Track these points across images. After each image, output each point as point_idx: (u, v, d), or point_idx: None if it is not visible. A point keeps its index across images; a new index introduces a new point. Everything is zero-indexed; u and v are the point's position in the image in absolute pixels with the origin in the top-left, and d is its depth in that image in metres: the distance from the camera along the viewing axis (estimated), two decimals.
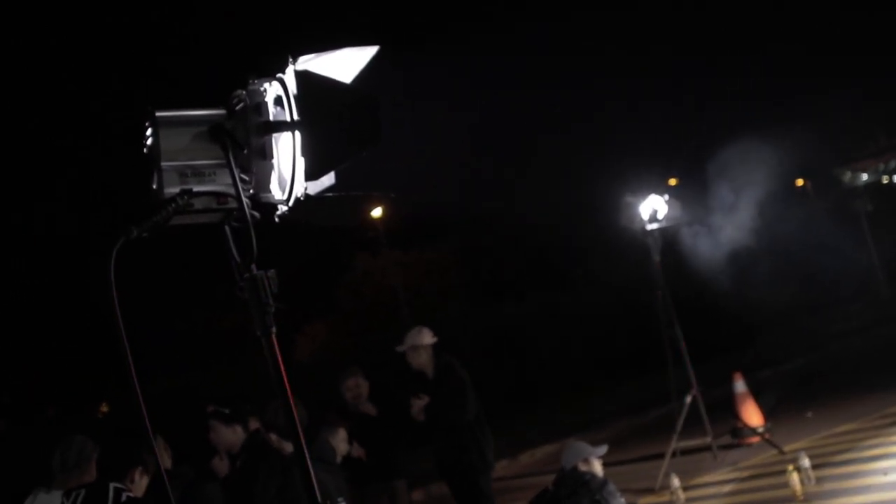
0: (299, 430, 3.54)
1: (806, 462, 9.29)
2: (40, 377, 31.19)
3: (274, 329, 3.53)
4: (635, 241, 12.08)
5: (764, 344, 20.97)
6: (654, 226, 11.69)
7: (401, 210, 40.87)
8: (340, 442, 7.75)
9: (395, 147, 3.76)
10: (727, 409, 12.44)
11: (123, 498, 4.61)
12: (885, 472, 9.05)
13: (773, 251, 21.70)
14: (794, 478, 8.95)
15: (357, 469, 8.73)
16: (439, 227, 39.99)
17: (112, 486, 4.70)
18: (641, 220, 11.68)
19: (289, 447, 6.20)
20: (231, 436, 6.66)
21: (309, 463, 3.61)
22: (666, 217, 11.77)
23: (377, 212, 43.40)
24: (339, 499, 3.81)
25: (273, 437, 6.22)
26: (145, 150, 3.47)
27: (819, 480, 9.23)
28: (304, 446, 3.59)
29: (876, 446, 10.24)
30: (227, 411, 7.04)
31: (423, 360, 9.04)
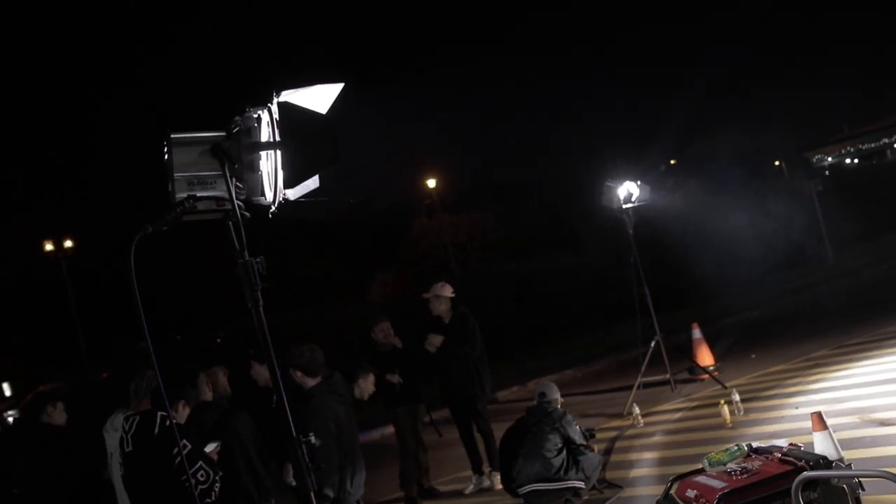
0: (279, 377, 3.70)
1: (736, 397, 9.27)
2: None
3: (261, 303, 3.69)
4: (612, 217, 11.99)
5: (731, 297, 20.77)
6: (629, 206, 11.61)
7: (450, 179, 40.95)
8: (370, 385, 7.94)
9: (363, 161, 3.84)
10: (683, 352, 12.37)
11: (167, 423, 4.78)
12: (797, 406, 8.99)
13: (743, 224, 21.55)
14: (725, 409, 8.95)
15: (389, 394, 8.97)
16: (485, 195, 40.08)
17: (160, 414, 4.88)
18: (618, 200, 11.61)
19: (310, 382, 6.32)
20: (265, 372, 6.81)
21: (286, 404, 3.76)
22: (638, 198, 11.68)
23: (432, 182, 43.66)
24: (311, 434, 3.91)
25: (298, 373, 6.34)
26: (164, 162, 3.63)
27: (747, 411, 9.19)
28: (283, 391, 3.76)
29: (796, 384, 10.15)
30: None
31: (442, 308, 9.14)
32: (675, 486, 4.62)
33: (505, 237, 35.18)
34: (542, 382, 8.19)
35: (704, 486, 4.34)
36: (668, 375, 11.64)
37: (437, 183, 44.77)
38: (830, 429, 5.16)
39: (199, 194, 3.61)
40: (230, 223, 3.68)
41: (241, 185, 3.66)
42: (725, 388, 10.89)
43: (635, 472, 8.14)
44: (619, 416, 10.88)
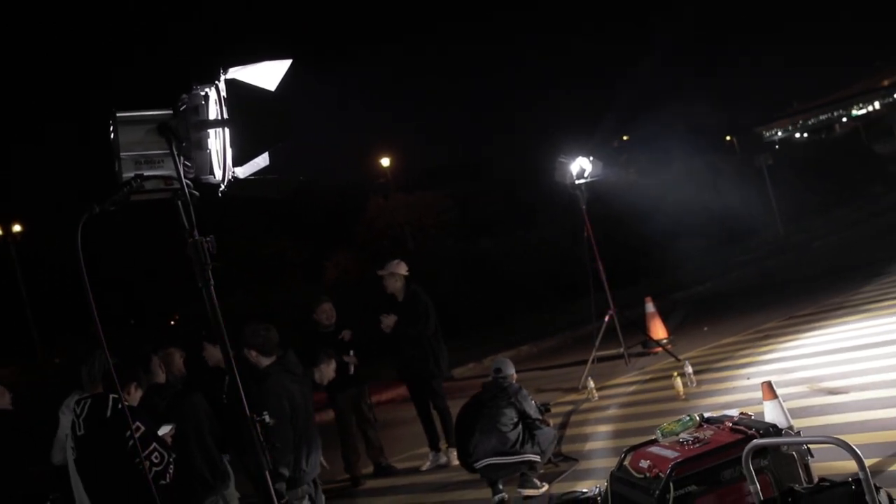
0: (231, 357, 3.68)
1: (689, 369, 9.41)
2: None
3: (212, 282, 3.65)
4: (565, 194, 12.03)
5: (683, 271, 21.03)
6: (581, 181, 11.66)
7: (405, 161, 40.91)
8: (331, 370, 7.98)
9: (310, 138, 3.81)
10: (637, 326, 12.50)
11: (119, 406, 4.73)
12: (748, 376, 9.15)
13: (693, 199, 21.78)
14: (678, 381, 9.09)
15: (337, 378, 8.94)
16: (437, 176, 40.11)
17: (111, 396, 4.82)
18: (571, 176, 11.65)
19: (265, 361, 6.30)
20: (218, 353, 6.78)
21: (239, 383, 3.75)
22: (591, 174, 11.74)
23: (385, 161, 43.53)
24: (265, 413, 3.90)
25: (252, 353, 6.31)
26: (110, 142, 3.57)
27: (699, 383, 9.33)
28: (236, 373, 3.74)
29: (747, 356, 10.33)
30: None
31: (396, 286, 9.13)
32: (628, 458, 4.69)
33: (460, 217, 35.20)
34: (497, 358, 8.24)
35: (657, 457, 4.41)
36: (622, 350, 11.78)
37: (391, 162, 44.71)
38: (780, 398, 5.28)
39: (146, 173, 3.57)
40: (179, 202, 3.65)
41: (189, 164, 3.62)
42: (678, 360, 11.06)
43: (590, 445, 8.24)
44: (575, 390, 10.98)
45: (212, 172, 3.68)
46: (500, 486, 7.13)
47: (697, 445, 4.40)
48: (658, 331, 12.52)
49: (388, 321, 8.92)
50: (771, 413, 5.20)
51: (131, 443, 4.56)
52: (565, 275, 21.21)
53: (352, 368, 8.93)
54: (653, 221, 20.87)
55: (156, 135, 3.59)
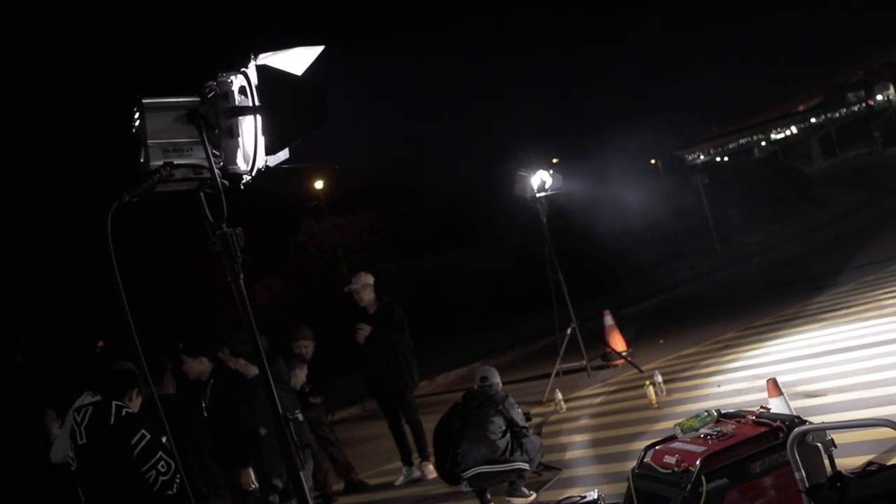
0: (263, 357, 3.55)
1: (659, 378, 9.49)
2: (48, 320, 30.59)
3: (242, 276, 3.53)
4: (526, 206, 12.11)
5: (627, 287, 21.32)
6: (542, 194, 11.74)
7: (339, 183, 40.64)
8: (303, 375, 7.93)
9: (337, 127, 3.72)
10: (598, 339, 12.60)
11: (123, 413, 4.53)
12: (718, 384, 9.27)
13: (635, 215, 22.12)
14: (650, 390, 9.16)
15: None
16: (370, 198, 39.87)
17: (114, 403, 4.62)
18: (532, 189, 11.72)
19: (253, 370, 6.15)
20: (198, 366, 6.61)
21: (272, 383, 3.61)
22: (551, 187, 11.84)
23: (319, 184, 43.20)
24: (297, 411, 3.78)
25: (241, 361, 6.15)
26: (134, 130, 3.42)
27: (669, 392, 9.42)
28: (268, 370, 3.61)
29: (711, 365, 10.46)
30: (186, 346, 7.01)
31: (368, 298, 9.04)
32: (649, 455, 4.66)
33: (396, 236, 35.11)
34: (482, 367, 8.17)
35: (684, 451, 4.40)
36: (584, 362, 11.81)
37: (324, 184, 44.36)
38: (785, 394, 5.33)
39: (175, 161, 3.43)
40: (202, 194, 3.53)
41: (217, 153, 3.50)
42: (641, 371, 11.18)
43: (571, 454, 8.23)
44: (539, 402, 10.97)
45: (237, 162, 3.57)
46: (489, 496, 7.06)
47: (723, 439, 4.40)
48: (618, 343, 12.61)
49: (365, 331, 8.80)
50: (778, 409, 5.25)
51: (137, 451, 4.36)
52: (512, 292, 21.31)
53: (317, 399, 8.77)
54: (593, 238, 21.14)
55: (184, 122, 3.45)
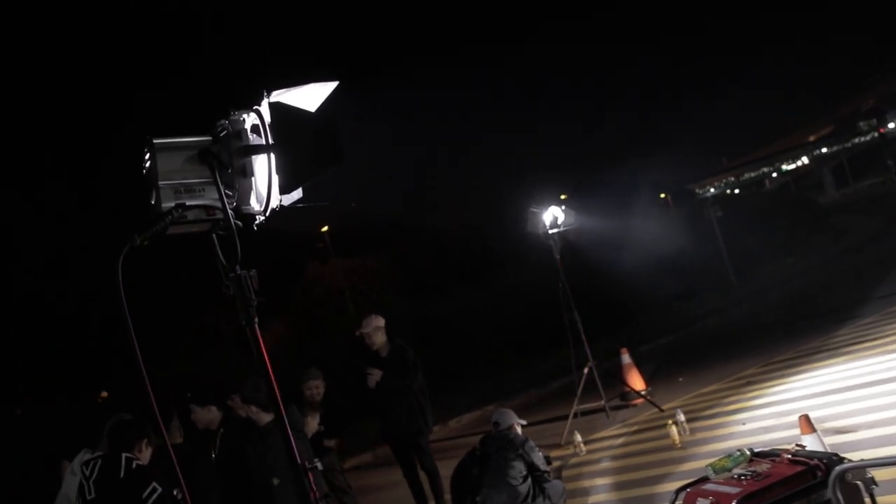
0: (280, 403, 3.48)
1: (682, 417, 9.35)
2: (48, 369, 30.46)
3: (257, 320, 3.50)
4: (539, 243, 12.09)
5: (642, 325, 21.21)
6: (555, 230, 11.74)
7: (344, 224, 40.70)
8: (314, 423, 7.85)
9: (350, 165, 3.68)
10: (616, 377, 12.50)
11: (133, 465, 4.46)
12: (743, 422, 9.14)
13: (648, 250, 22.08)
14: (673, 430, 9.04)
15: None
16: (375, 238, 39.88)
17: (124, 455, 4.55)
18: (544, 225, 11.72)
19: (266, 418, 6.08)
20: (207, 415, 6.55)
21: (289, 430, 3.55)
22: (563, 223, 11.83)
23: (324, 227, 43.19)
24: (315, 460, 3.70)
25: (253, 408, 6.07)
26: (144, 172, 3.40)
27: (692, 431, 9.29)
28: (285, 418, 3.54)
29: (735, 402, 10.34)
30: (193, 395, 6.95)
31: (380, 341, 8.97)
32: (681, 498, 4.56)
33: (403, 277, 35.04)
34: (498, 410, 8.06)
35: (718, 493, 4.29)
36: (602, 402, 11.69)
37: (329, 226, 44.36)
38: (819, 431, 5.23)
39: (188, 203, 3.41)
40: (214, 235, 3.50)
41: (230, 193, 3.48)
42: (662, 410, 11.06)
43: (594, 499, 8.09)
44: (558, 445, 10.84)
45: (250, 202, 3.55)
46: None
47: (759, 479, 4.29)
48: (636, 382, 12.50)
49: (376, 375, 8.72)
50: (812, 447, 5.15)
51: None
52: (523, 331, 21.22)
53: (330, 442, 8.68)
54: (609, 274, 21.09)
55: (196, 162, 3.44)
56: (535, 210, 11.81)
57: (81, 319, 29.56)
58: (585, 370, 11.49)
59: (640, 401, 11.95)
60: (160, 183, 3.36)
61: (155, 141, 3.37)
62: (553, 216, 11.76)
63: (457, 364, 21.34)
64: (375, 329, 8.94)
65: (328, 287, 38.34)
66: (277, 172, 3.47)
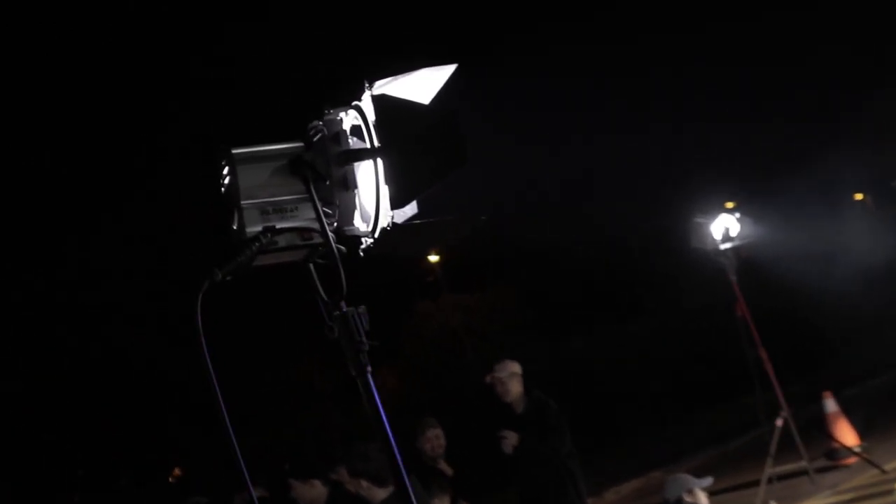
0: (403, 472, 3.39)
1: None
2: (111, 448, 31.39)
3: (370, 368, 3.40)
4: (707, 262, 11.88)
5: (848, 359, 20.55)
6: (728, 245, 11.52)
7: (459, 252, 40.85)
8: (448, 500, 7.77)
9: (476, 167, 3.59)
10: (818, 430, 12.10)
11: None
12: None
13: (847, 264, 21.41)
14: None
15: None
16: (499, 267, 39.78)
17: None
18: (714, 239, 11.54)
19: (380, 494, 6.03)
20: (309, 491, 6.58)
21: None
22: (739, 235, 11.61)
23: (434, 256, 43.45)
24: None
25: (364, 483, 6.04)
26: (223, 190, 3.37)
27: None
28: (410, 489, 3.44)
29: None
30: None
31: (516, 392, 8.92)
32: None
33: (536, 314, 34.89)
34: (674, 478, 7.81)
35: None
36: (803, 462, 11.37)
37: (440, 255, 44.30)
38: None
39: (278, 226, 3.35)
40: (311, 264, 3.44)
41: (329, 211, 3.40)
42: (885, 471, 10.69)
43: None
44: None
45: (353, 221, 3.49)
46: None
47: None
48: (847, 436, 12.05)
49: (512, 439, 8.63)
50: None
51: None
52: (691, 374, 20.87)
53: None
54: (798, 297, 20.57)
55: (286, 174, 3.37)
56: (700, 220, 11.65)
57: (147, 381, 30.41)
58: (779, 422, 11.23)
59: (853, 459, 11.56)
60: (243, 203, 3.29)
61: (234, 151, 3.32)
62: (724, 227, 11.57)
63: (609, 418, 21.13)
64: (510, 375, 8.90)
65: (441, 328, 38.51)
66: (387, 182, 3.36)
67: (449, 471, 8.83)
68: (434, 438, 8.72)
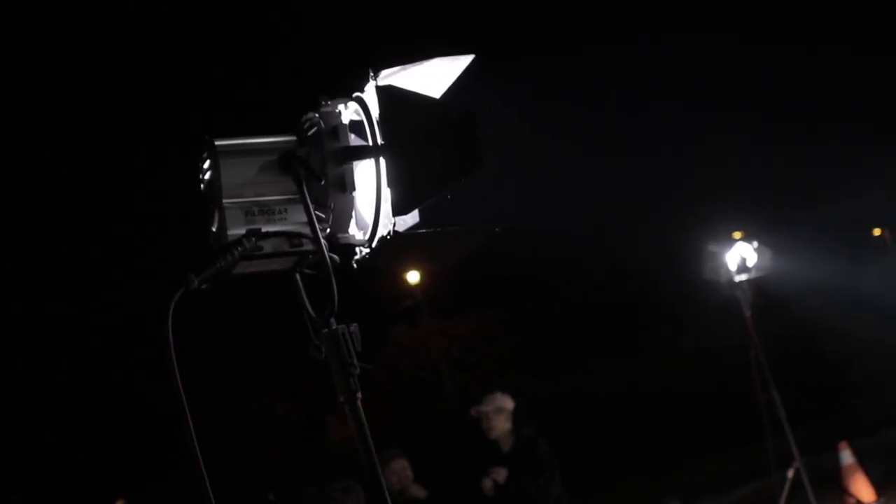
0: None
1: None
2: (52, 475, 31.19)
3: (359, 394, 3.25)
4: (720, 295, 11.85)
5: (862, 406, 20.63)
6: (743, 276, 11.47)
7: (442, 274, 40.73)
8: None
9: (491, 173, 3.47)
10: (834, 483, 12.06)
11: None
12: None
13: (867, 304, 21.54)
14: None
15: None
16: (485, 291, 39.65)
17: None
18: (728, 270, 11.48)
19: None
20: None
21: None
22: (756, 266, 11.55)
23: (414, 276, 43.33)
24: None
25: None
26: (202, 186, 3.22)
27: None
28: None
29: None
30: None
31: (502, 428, 8.92)
32: None
33: (524, 344, 34.88)
34: None
35: None
36: None
37: (420, 277, 44.02)
38: None
39: (264, 229, 3.20)
40: (297, 275, 3.30)
41: (322, 215, 3.26)
42: None
43: None
44: None
45: (348, 229, 3.36)
46: None
47: None
48: (863, 490, 12.04)
49: (498, 476, 8.59)
50: None
51: None
52: (694, 418, 20.93)
53: None
54: (813, 338, 20.67)
55: (275, 171, 3.22)
56: (713, 250, 11.59)
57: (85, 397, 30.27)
58: (790, 472, 11.15)
59: None
60: (225, 202, 3.13)
61: (217, 143, 3.16)
62: (740, 257, 11.50)
63: (604, 461, 21.16)
64: (497, 410, 8.89)
65: (420, 358, 38.32)
66: (389, 185, 3.22)
67: (422, 492, 8.87)
68: (401, 470, 8.86)
